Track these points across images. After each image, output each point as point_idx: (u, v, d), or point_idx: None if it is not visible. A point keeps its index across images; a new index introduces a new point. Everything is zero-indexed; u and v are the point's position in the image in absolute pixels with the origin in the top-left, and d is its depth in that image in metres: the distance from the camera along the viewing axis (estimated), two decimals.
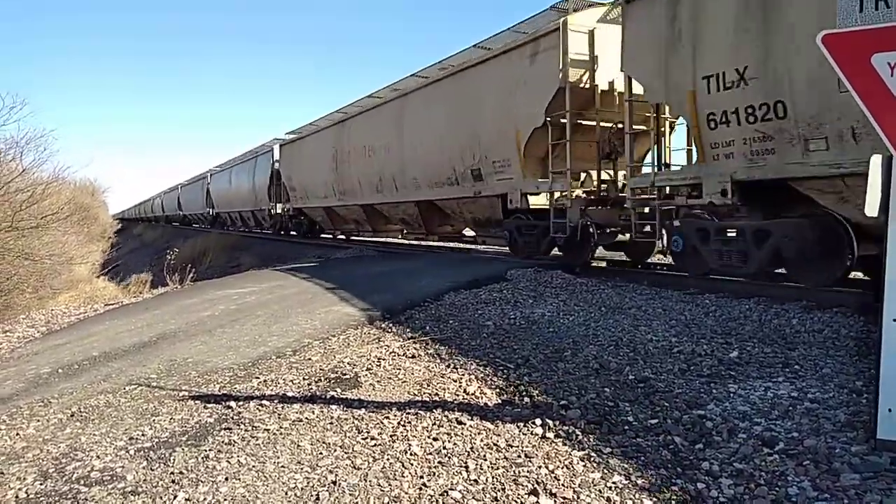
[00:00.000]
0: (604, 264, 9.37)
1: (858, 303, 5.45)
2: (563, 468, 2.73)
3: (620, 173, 9.11)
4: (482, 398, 3.71)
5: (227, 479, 2.81)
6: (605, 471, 2.67)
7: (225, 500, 2.64)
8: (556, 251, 9.75)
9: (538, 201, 9.58)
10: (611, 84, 8.80)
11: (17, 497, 2.80)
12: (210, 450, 3.13)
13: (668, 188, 7.48)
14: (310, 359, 4.80)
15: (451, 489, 2.61)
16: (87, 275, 21.09)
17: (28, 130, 29.27)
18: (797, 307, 5.65)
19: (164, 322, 6.83)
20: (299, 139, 19.70)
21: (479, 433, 3.14)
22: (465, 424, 3.26)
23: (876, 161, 2.67)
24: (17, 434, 3.59)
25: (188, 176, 57.66)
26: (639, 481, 2.56)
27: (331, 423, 3.40)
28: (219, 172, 33.71)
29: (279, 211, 22.79)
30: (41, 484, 2.90)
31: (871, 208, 2.69)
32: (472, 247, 14.28)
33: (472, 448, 2.97)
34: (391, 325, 5.87)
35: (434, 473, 2.75)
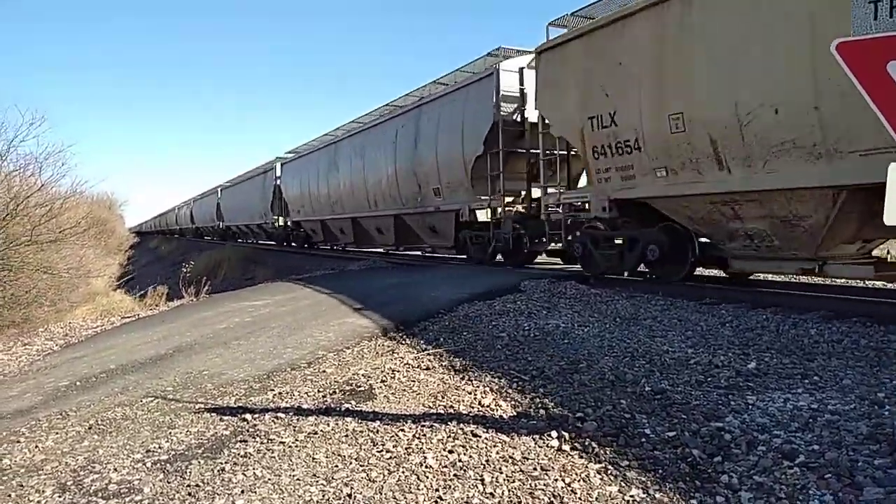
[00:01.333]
0: (625, 274, 9.27)
1: (879, 312, 5.37)
2: (579, 481, 2.70)
3: None
4: (497, 410, 3.69)
5: (242, 491, 2.82)
6: (623, 484, 2.65)
7: None
8: None
9: None
10: None
11: None
12: (226, 462, 3.15)
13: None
14: (324, 371, 4.81)
15: (466, 503, 2.59)
16: (104, 288, 21.32)
17: (47, 146, 29.79)
18: (815, 316, 5.58)
19: (180, 335, 6.88)
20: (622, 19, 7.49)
21: (494, 446, 3.13)
22: (480, 437, 3.24)
23: (894, 169, 2.63)
24: (37, 446, 3.63)
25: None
26: (657, 495, 2.53)
27: (346, 436, 3.40)
28: (298, 159, 21.91)
29: (552, 205, 9.61)
30: (59, 496, 2.92)
31: (890, 217, 2.65)
32: None
33: (487, 461, 2.96)
34: (405, 336, 5.87)
35: (450, 486, 2.74)
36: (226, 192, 35.57)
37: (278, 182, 23.93)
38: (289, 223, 23.86)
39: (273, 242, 27.86)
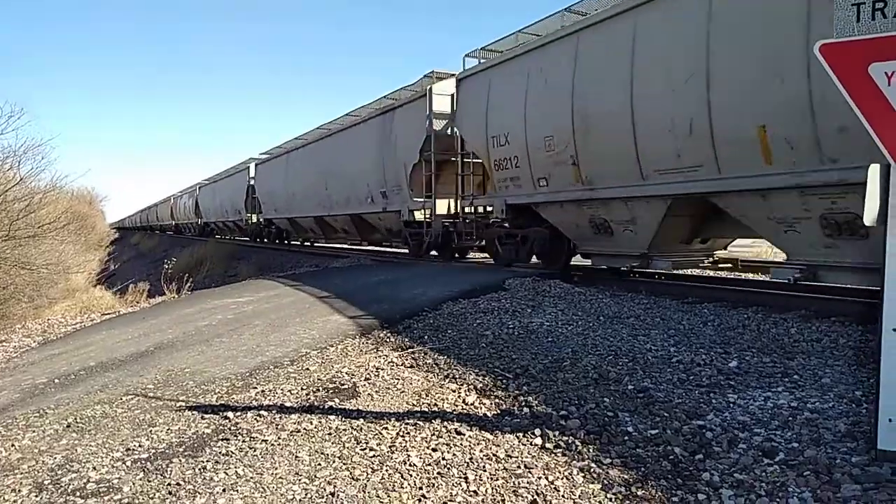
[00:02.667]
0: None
1: (857, 312, 5.45)
2: (562, 479, 2.71)
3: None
4: (481, 408, 3.69)
5: (224, 490, 2.79)
6: (605, 482, 2.66)
7: None
8: None
9: None
10: None
11: None
12: (207, 461, 3.11)
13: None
14: (308, 369, 4.78)
15: (450, 500, 2.59)
16: (84, 284, 21.04)
17: (26, 139, 29.27)
18: (795, 316, 5.65)
19: (162, 332, 6.80)
20: None
21: (478, 444, 3.13)
22: (464, 435, 3.24)
23: (874, 170, 2.67)
24: (13, 445, 3.56)
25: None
26: (639, 492, 2.54)
27: (329, 434, 3.38)
28: (520, 56, 9.15)
29: None
30: (36, 496, 2.87)
31: (870, 217, 2.69)
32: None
33: (471, 459, 2.96)
34: (389, 334, 5.85)
35: (433, 485, 2.73)
36: (267, 168, 23.07)
37: (438, 128, 11.68)
38: (501, 207, 10.00)
39: (403, 250, 14.74)
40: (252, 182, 24.59)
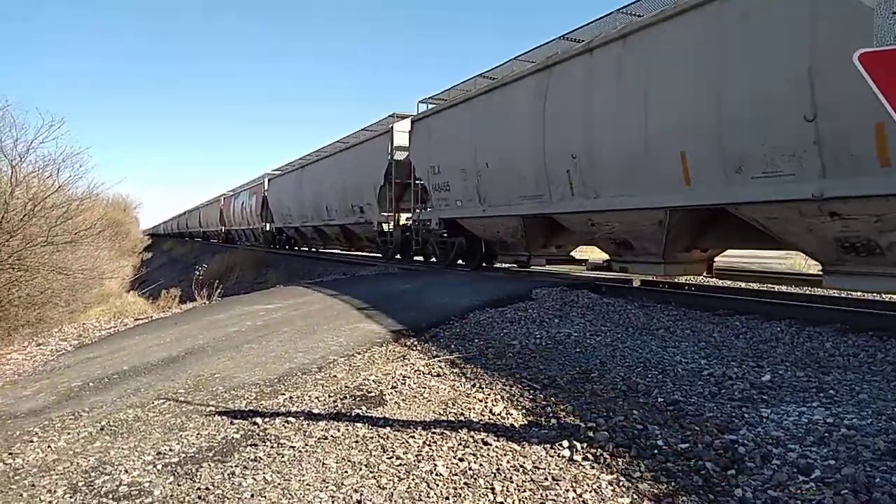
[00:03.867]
0: (637, 283, 9.23)
1: (895, 326, 5.30)
2: (591, 492, 2.68)
3: None
4: (508, 419, 3.67)
5: (252, 496, 2.82)
6: (635, 496, 2.62)
7: None
8: None
9: None
10: None
11: None
12: (236, 466, 3.15)
13: None
14: (335, 376, 4.81)
15: None
16: (118, 289, 21.50)
17: (65, 148, 30.00)
18: (830, 330, 5.51)
19: (193, 337, 6.91)
20: None
21: (505, 454, 3.11)
22: (491, 445, 3.23)
23: None
24: (49, 446, 3.65)
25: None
26: None
27: (356, 442, 3.39)
28: None
29: None
30: (71, 497, 2.93)
31: None
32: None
33: (498, 469, 2.94)
34: (416, 342, 5.86)
35: (460, 495, 2.72)
36: (445, 121, 11.80)
37: None
38: None
39: None
40: (400, 156, 13.87)
